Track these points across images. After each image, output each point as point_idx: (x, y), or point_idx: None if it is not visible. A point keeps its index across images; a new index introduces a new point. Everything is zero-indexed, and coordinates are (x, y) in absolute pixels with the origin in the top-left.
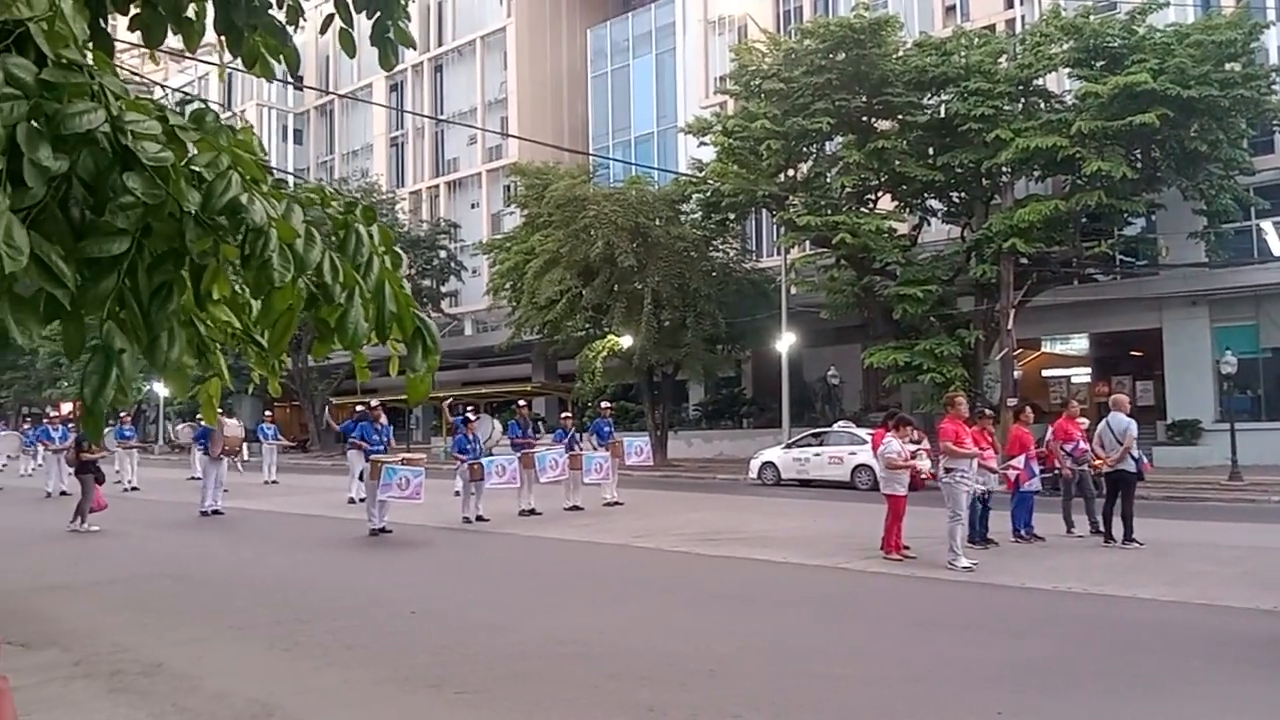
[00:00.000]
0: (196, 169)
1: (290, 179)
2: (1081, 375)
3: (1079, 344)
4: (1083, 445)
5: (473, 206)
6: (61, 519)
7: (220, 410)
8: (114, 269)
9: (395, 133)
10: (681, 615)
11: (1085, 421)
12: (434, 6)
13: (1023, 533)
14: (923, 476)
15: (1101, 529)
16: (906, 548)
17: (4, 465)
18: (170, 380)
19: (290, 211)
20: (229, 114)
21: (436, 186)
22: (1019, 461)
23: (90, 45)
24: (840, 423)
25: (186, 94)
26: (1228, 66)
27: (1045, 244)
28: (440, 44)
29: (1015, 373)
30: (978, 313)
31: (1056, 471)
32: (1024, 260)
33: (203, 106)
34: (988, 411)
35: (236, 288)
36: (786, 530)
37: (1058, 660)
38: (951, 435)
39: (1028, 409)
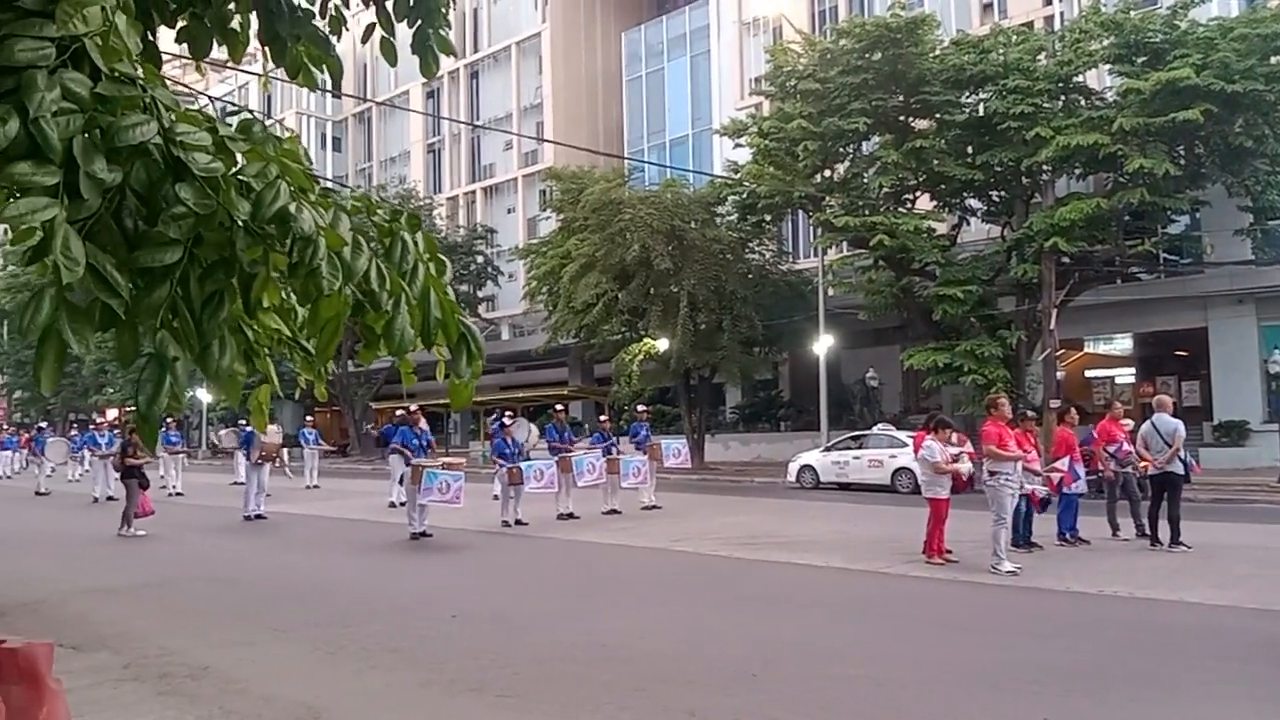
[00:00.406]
0: (245, 179)
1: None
2: (1125, 376)
3: (1123, 344)
4: (1126, 447)
5: (509, 211)
6: (108, 523)
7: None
8: (167, 278)
9: (432, 139)
10: (722, 619)
11: (1129, 423)
12: (469, 14)
13: (1067, 536)
14: (964, 479)
15: (1147, 532)
16: (949, 551)
17: (52, 471)
18: (222, 387)
19: (338, 220)
20: (270, 122)
21: (473, 192)
22: (1063, 464)
23: (140, 58)
24: (880, 425)
25: (230, 103)
26: (1273, 60)
27: (1087, 243)
28: (476, 50)
29: (1058, 374)
30: (1019, 313)
31: (1100, 474)
32: (1066, 259)
33: (250, 117)
34: (1030, 413)
35: (283, 295)
36: (826, 534)
37: (1103, 665)
38: (995, 438)
39: (1072, 410)
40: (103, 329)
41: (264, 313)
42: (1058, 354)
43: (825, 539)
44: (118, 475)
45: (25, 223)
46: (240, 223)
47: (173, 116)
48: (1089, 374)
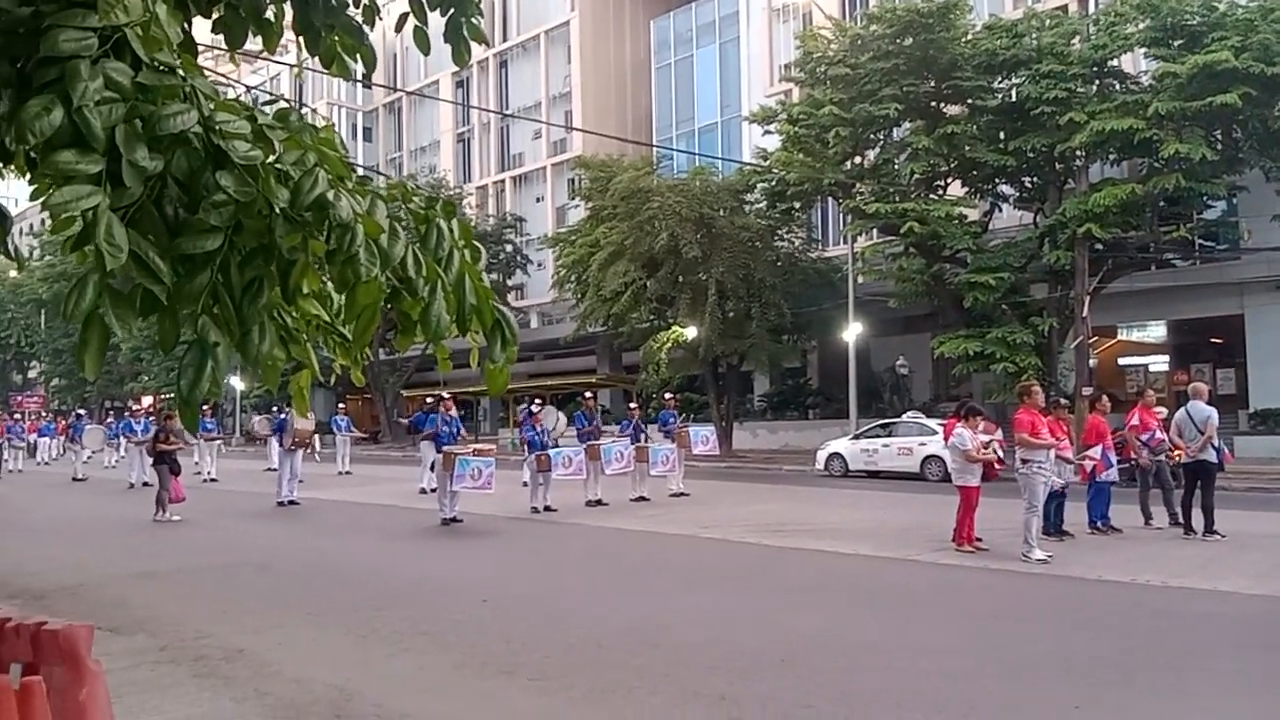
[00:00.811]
0: (284, 167)
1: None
2: (1159, 363)
3: (1156, 331)
4: (1159, 435)
5: (538, 200)
6: (144, 509)
7: (290, 403)
8: (208, 264)
9: (462, 129)
10: (750, 606)
11: (1163, 410)
12: (499, 2)
13: (1099, 524)
14: (996, 467)
15: (1180, 520)
16: (979, 539)
17: (89, 458)
18: (262, 372)
19: (374, 207)
20: (303, 111)
21: (502, 181)
22: (1096, 452)
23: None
24: (909, 413)
25: (267, 92)
26: None
27: (1121, 229)
28: (505, 39)
29: (1091, 361)
30: (1051, 300)
31: (1133, 462)
32: (1099, 246)
33: (286, 105)
34: (1063, 401)
35: (321, 281)
36: (855, 522)
37: (1136, 654)
38: (1027, 426)
39: (1105, 398)
40: (144, 315)
41: (303, 299)
42: (1090, 341)
43: (854, 526)
44: (151, 461)
45: (69, 210)
46: (279, 210)
47: (212, 105)
48: (1122, 361)
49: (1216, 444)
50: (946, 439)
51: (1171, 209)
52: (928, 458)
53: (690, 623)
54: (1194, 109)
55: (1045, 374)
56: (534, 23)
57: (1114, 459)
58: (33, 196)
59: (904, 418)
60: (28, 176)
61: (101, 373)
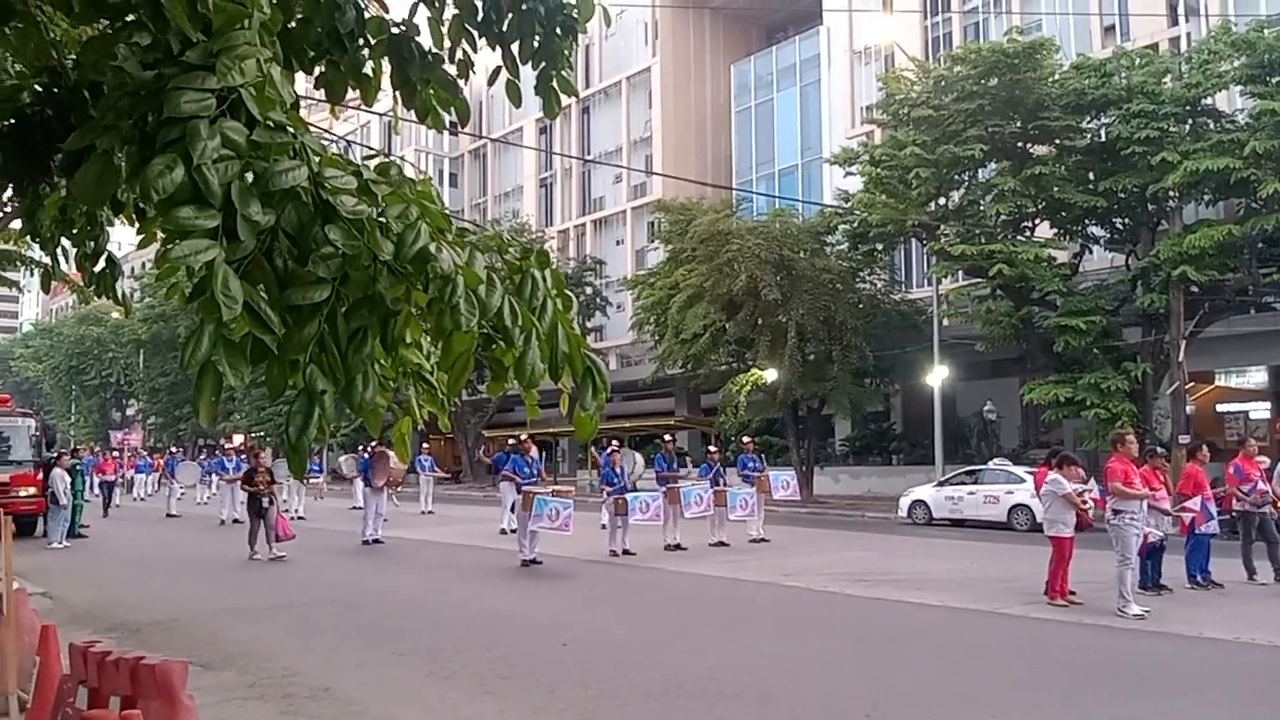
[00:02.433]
0: (388, 220)
1: (470, 226)
2: (1260, 410)
3: (1257, 377)
4: (1262, 486)
5: (617, 243)
6: (234, 545)
7: (381, 443)
8: (316, 315)
9: (544, 173)
10: (835, 657)
11: (1265, 460)
12: (581, 50)
13: (1199, 579)
14: (1088, 517)
15: None
16: (1073, 593)
17: (183, 494)
18: (365, 418)
19: (473, 258)
20: (393, 158)
21: (583, 225)
22: (1194, 503)
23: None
24: (996, 460)
25: (362, 144)
26: None
27: (1218, 271)
28: (588, 85)
29: (1187, 408)
30: (1145, 344)
31: (1234, 514)
32: (1195, 289)
33: (388, 159)
34: (1159, 450)
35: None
36: (942, 572)
37: (1242, 718)
38: (1120, 475)
39: (1204, 447)
40: (254, 363)
41: (407, 349)
42: (1187, 387)
43: (940, 577)
44: (243, 500)
45: (188, 264)
46: (384, 262)
47: (320, 161)
48: (1221, 408)
49: None
50: (1038, 488)
51: (1271, 250)
52: (1015, 506)
53: (772, 672)
54: None
55: (1139, 421)
56: (616, 69)
57: (1214, 510)
58: (141, 245)
59: (990, 465)
60: (136, 225)
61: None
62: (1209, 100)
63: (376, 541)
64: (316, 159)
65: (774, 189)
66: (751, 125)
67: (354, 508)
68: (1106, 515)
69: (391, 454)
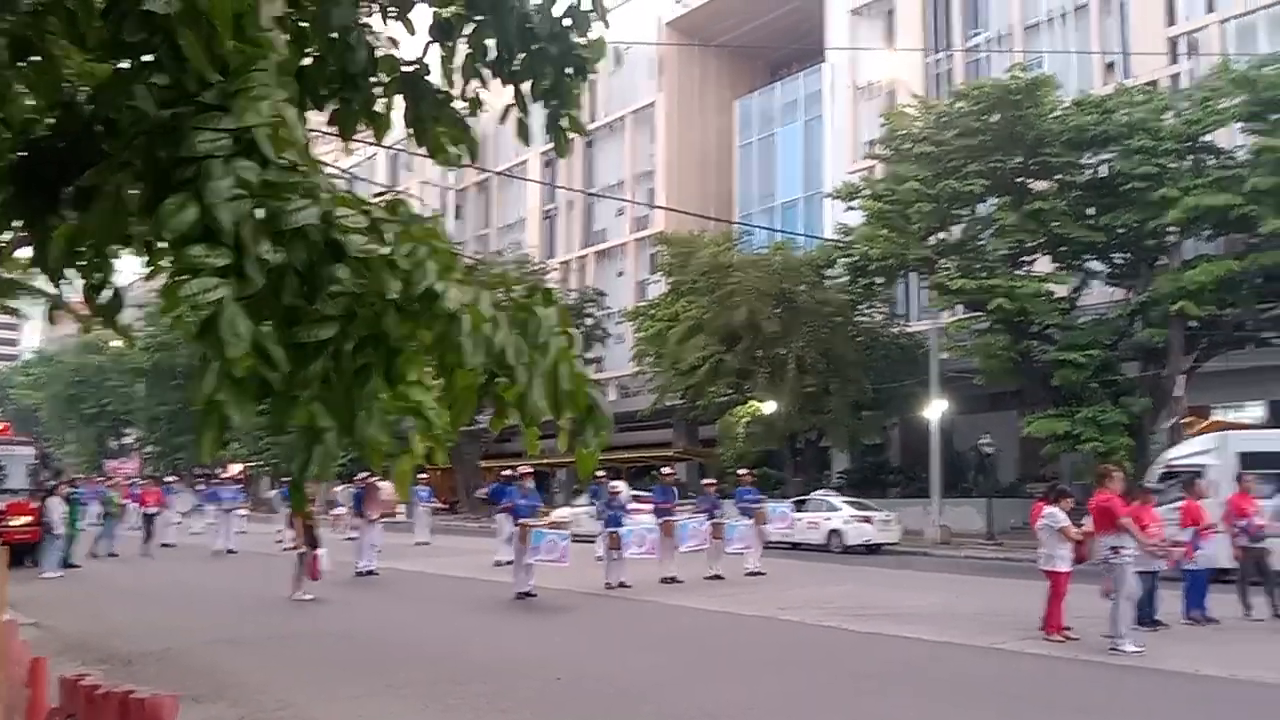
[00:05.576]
0: (395, 259)
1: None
2: None
3: (1255, 412)
4: (1259, 522)
5: (619, 275)
6: (227, 575)
7: (375, 474)
8: (322, 353)
9: (548, 206)
10: (832, 693)
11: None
12: (586, 86)
13: (1195, 615)
14: (1088, 550)
15: None
16: (1068, 628)
17: (179, 522)
18: (367, 454)
19: (479, 297)
20: (398, 190)
21: (585, 256)
22: (1186, 535)
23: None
24: (820, 491)
25: (367, 180)
26: None
27: (1217, 306)
28: (592, 120)
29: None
30: (1144, 379)
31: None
32: (1194, 324)
33: (396, 196)
34: (1147, 485)
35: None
36: (939, 606)
37: None
38: (1123, 512)
39: (1200, 482)
40: (260, 400)
41: (410, 386)
42: (1185, 422)
43: (938, 611)
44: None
45: (198, 301)
46: (390, 300)
47: (331, 200)
48: None
49: None
50: (1034, 522)
51: (1270, 286)
52: (832, 531)
53: (770, 709)
54: None
55: (1137, 455)
56: (620, 105)
57: (1202, 545)
58: (148, 277)
59: (814, 495)
60: (145, 258)
61: (191, 441)
62: (1209, 137)
63: (371, 573)
64: (328, 197)
65: (776, 223)
66: (754, 159)
67: (347, 538)
68: (1099, 551)
69: (383, 485)
